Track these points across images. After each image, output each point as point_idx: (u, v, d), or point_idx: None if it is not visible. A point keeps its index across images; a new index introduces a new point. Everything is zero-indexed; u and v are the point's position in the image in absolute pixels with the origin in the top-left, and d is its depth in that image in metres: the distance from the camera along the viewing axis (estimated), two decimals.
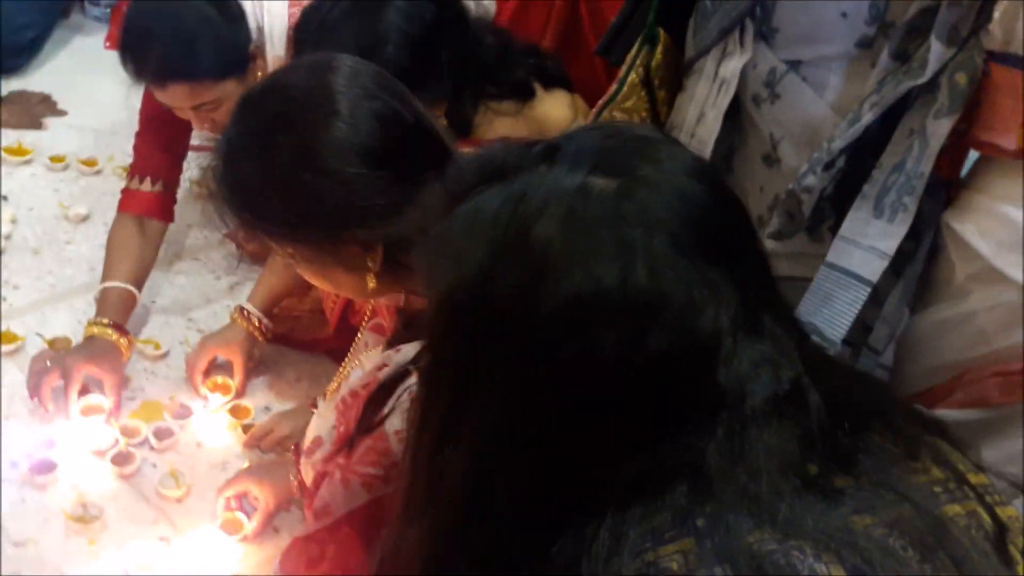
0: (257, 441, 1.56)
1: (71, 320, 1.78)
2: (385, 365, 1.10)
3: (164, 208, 1.80)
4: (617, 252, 0.63)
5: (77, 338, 1.69)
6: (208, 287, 1.95)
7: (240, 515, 1.42)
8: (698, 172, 0.69)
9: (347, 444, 1.09)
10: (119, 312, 1.68)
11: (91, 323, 1.65)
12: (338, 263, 1.13)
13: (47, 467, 1.49)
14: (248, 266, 1.93)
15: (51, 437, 1.54)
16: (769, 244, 1.20)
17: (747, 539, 0.63)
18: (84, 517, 1.42)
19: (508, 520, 0.68)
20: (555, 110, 1.72)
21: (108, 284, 1.70)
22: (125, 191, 1.79)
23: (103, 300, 1.69)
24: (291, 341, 1.78)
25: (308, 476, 1.23)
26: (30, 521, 1.42)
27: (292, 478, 1.37)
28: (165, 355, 1.74)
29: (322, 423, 1.23)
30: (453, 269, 0.68)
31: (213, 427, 1.61)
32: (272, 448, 1.56)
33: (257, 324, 1.67)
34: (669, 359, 0.63)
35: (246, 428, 1.60)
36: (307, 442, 1.24)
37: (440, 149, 1.10)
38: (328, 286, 1.22)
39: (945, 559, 0.64)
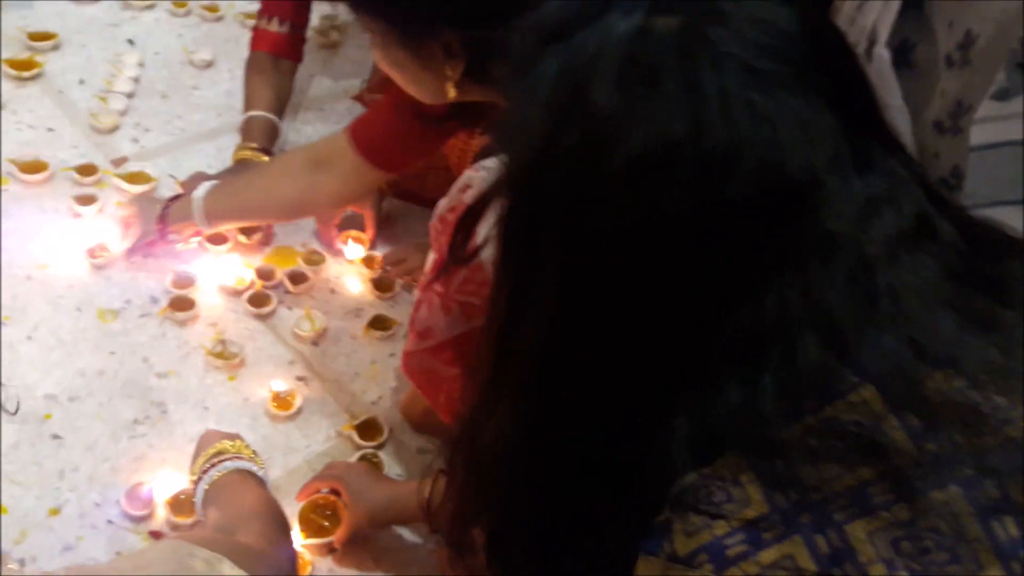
0: (389, 264, 1.59)
1: (202, 164, 1.77)
2: (469, 186, 1.04)
3: (294, 47, 1.81)
4: (684, 99, 0.56)
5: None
6: None
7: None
8: None
9: (442, 271, 1.06)
10: (265, 139, 1.70)
11: (240, 147, 1.67)
12: (419, 61, 1.10)
13: (185, 304, 1.51)
14: None
15: (189, 275, 1.55)
16: (990, 108, 1.09)
17: (923, 383, 0.57)
18: (224, 353, 1.44)
19: (598, 400, 0.63)
20: None
21: (252, 113, 1.72)
22: (255, 30, 1.80)
23: (248, 128, 1.71)
24: (420, 198, 1.75)
25: None
26: (172, 355, 1.44)
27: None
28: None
29: (432, 257, 1.22)
30: (516, 143, 0.63)
31: (346, 275, 1.61)
32: (401, 276, 1.59)
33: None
34: (754, 208, 0.57)
35: (376, 282, 1.59)
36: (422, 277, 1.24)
37: None
38: (407, 84, 1.18)
39: None
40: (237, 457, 1.09)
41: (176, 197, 1.54)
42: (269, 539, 0.92)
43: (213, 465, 1.06)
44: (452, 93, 1.11)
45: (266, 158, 1.66)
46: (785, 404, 0.57)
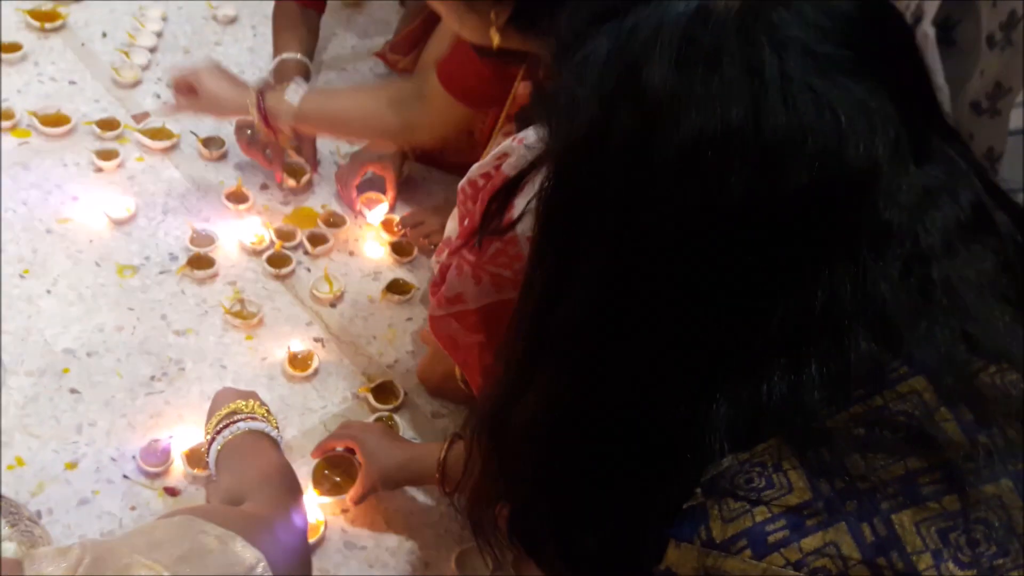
0: (407, 226, 1.58)
1: (223, 122, 1.76)
2: (507, 155, 1.02)
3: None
4: (744, 83, 0.54)
5: (232, 139, 1.69)
6: None
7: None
8: None
9: (473, 239, 1.04)
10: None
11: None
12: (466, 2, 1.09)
13: (204, 262, 1.50)
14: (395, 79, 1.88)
15: (209, 233, 1.55)
16: None
17: (977, 377, 0.56)
18: (241, 313, 1.44)
19: (635, 375, 0.61)
20: None
21: (284, 56, 1.69)
22: None
23: (281, 70, 1.68)
24: (441, 163, 1.74)
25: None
26: (190, 313, 1.45)
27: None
28: (316, 163, 1.72)
29: (453, 224, 1.21)
30: (566, 122, 0.61)
31: (365, 238, 1.61)
32: (417, 240, 1.58)
33: None
34: (813, 197, 0.55)
35: (394, 245, 1.59)
36: (441, 242, 1.23)
37: None
38: (452, 20, 1.17)
39: None
40: (251, 417, 1.08)
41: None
42: (279, 505, 0.91)
43: (226, 425, 1.06)
44: (496, 39, 1.10)
45: None
46: (832, 394, 0.56)
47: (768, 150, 0.54)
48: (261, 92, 1.48)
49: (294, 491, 0.98)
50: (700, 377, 0.59)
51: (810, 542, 0.53)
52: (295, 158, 1.66)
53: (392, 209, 1.65)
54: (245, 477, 0.97)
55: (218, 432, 1.05)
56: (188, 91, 1.49)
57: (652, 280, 0.59)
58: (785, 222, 0.55)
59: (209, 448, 1.03)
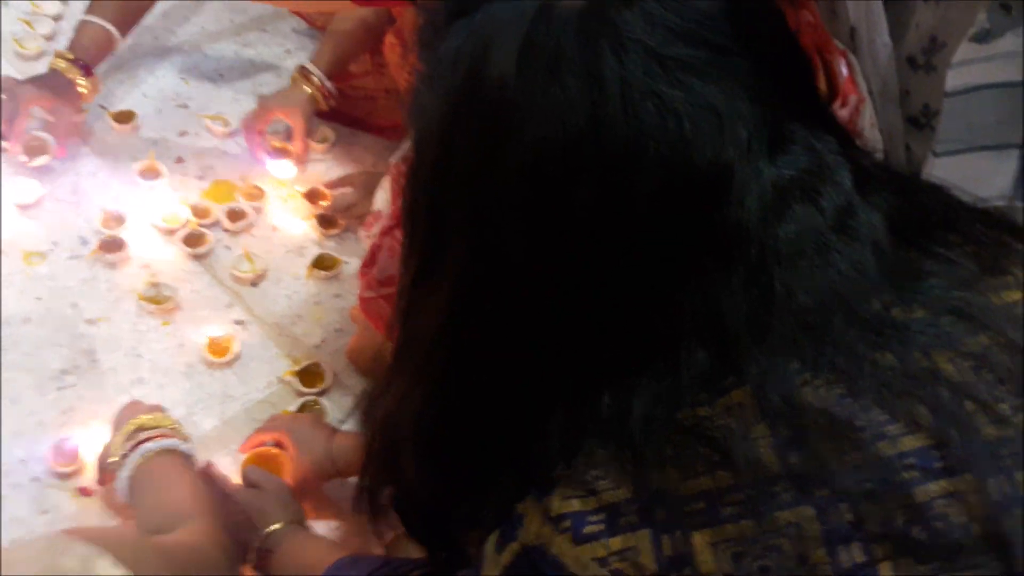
0: (336, 210, 1.50)
1: (135, 93, 1.67)
2: None
3: None
4: (583, 90, 0.52)
5: (144, 110, 1.59)
6: (276, 60, 1.81)
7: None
8: None
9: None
10: (93, 51, 1.54)
11: (57, 55, 1.52)
12: None
13: (116, 245, 1.42)
14: (318, 38, 1.79)
15: (120, 213, 1.46)
16: (968, 51, 1.01)
17: (801, 392, 0.53)
18: (157, 297, 1.37)
19: (492, 388, 0.62)
20: None
21: (87, 18, 1.55)
22: None
23: (78, 35, 1.55)
24: (367, 125, 1.67)
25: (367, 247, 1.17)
26: (102, 300, 1.37)
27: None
28: (234, 132, 1.63)
29: (382, 195, 1.16)
30: (418, 125, 0.59)
31: (288, 211, 1.53)
32: (339, 213, 1.50)
33: (319, 85, 1.55)
34: (659, 205, 0.54)
35: (320, 218, 1.51)
36: (370, 213, 1.17)
37: None
38: None
39: None
40: (160, 435, 1.03)
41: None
42: (205, 539, 0.88)
43: (134, 447, 1.00)
44: None
45: (81, 77, 1.52)
46: (658, 409, 0.55)
47: (610, 160, 0.53)
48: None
49: (219, 517, 0.95)
50: (541, 386, 0.60)
51: (616, 542, 0.53)
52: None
53: (303, 159, 1.57)
54: (167, 512, 0.93)
55: (125, 456, 1.00)
56: None
57: (501, 289, 0.59)
58: (631, 231, 0.55)
59: (118, 474, 0.98)
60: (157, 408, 1.13)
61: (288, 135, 1.57)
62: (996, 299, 0.58)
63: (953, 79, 1.04)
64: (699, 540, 0.52)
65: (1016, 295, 0.58)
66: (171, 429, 1.09)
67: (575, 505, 0.55)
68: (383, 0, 1.28)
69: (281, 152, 1.56)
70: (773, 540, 0.51)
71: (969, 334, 0.55)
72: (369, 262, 1.05)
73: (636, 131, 0.52)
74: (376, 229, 1.12)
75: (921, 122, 1.17)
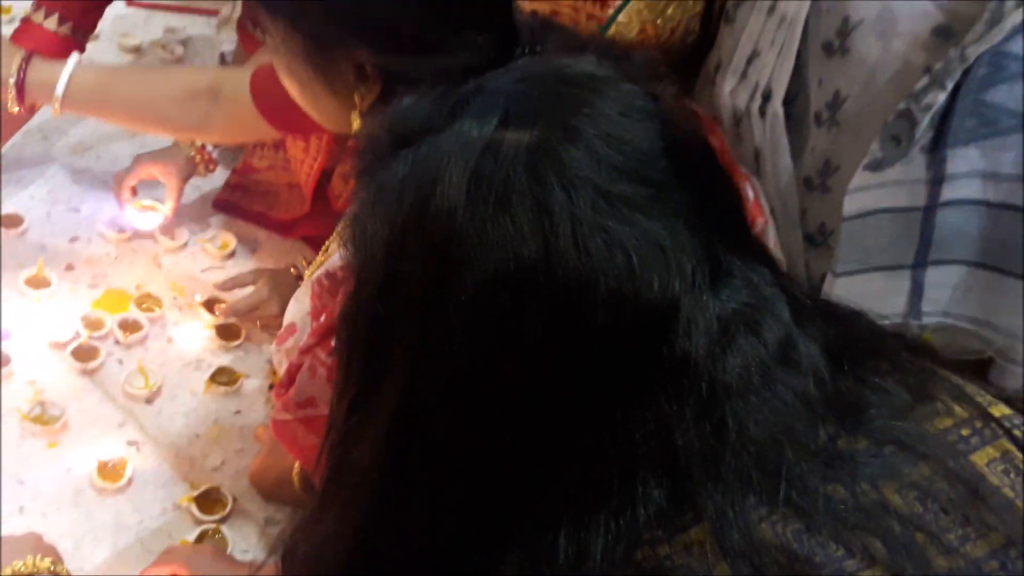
0: (237, 314, 1.43)
1: (22, 194, 1.60)
2: None
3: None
4: (533, 221, 0.54)
5: (32, 214, 1.53)
6: None
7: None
8: (641, 110, 0.59)
9: (331, 336, 0.97)
10: None
11: None
12: (325, 81, 0.99)
13: None
14: None
15: (4, 327, 1.38)
16: (863, 178, 1.07)
17: (759, 528, 0.54)
18: (42, 417, 1.29)
19: (434, 526, 0.60)
20: None
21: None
22: (24, 22, 1.46)
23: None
24: (268, 221, 1.62)
25: (281, 366, 1.12)
26: None
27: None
28: (129, 239, 1.56)
29: (297, 307, 1.12)
30: (359, 251, 0.60)
31: (185, 321, 1.47)
32: (241, 316, 1.43)
33: (199, 149, 1.52)
34: (609, 337, 0.55)
35: (220, 329, 1.45)
36: (283, 327, 1.13)
37: (502, 15, 0.96)
38: (307, 105, 1.06)
39: (987, 515, 0.57)
40: None
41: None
42: None
43: None
44: (356, 123, 1.00)
45: None
46: (616, 548, 0.55)
47: (561, 292, 0.54)
48: (26, 59, 1.31)
49: None
50: (490, 525, 0.59)
51: None
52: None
53: (172, 218, 1.53)
54: None
55: None
56: None
57: (442, 422, 0.58)
58: (581, 363, 0.55)
59: None
60: (37, 540, 1.05)
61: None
62: (930, 427, 0.60)
63: (849, 204, 1.09)
64: None
65: (947, 422, 0.61)
66: (49, 573, 1.01)
67: None
68: (307, 129, 1.27)
69: (148, 210, 1.53)
70: None
71: (911, 464, 0.58)
72: (286, 382, 1.02)
73: (587, 265, 0.54)
74: (290, 344, 1.08)
75: (817, 240, 1.22)
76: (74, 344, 1.38)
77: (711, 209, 0.59)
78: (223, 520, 1.22)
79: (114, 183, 1.52)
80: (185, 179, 1.53)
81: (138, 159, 1.53)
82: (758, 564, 0.53)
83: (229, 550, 1.18)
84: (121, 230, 1.54)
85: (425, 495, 0.60)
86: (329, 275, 1.04)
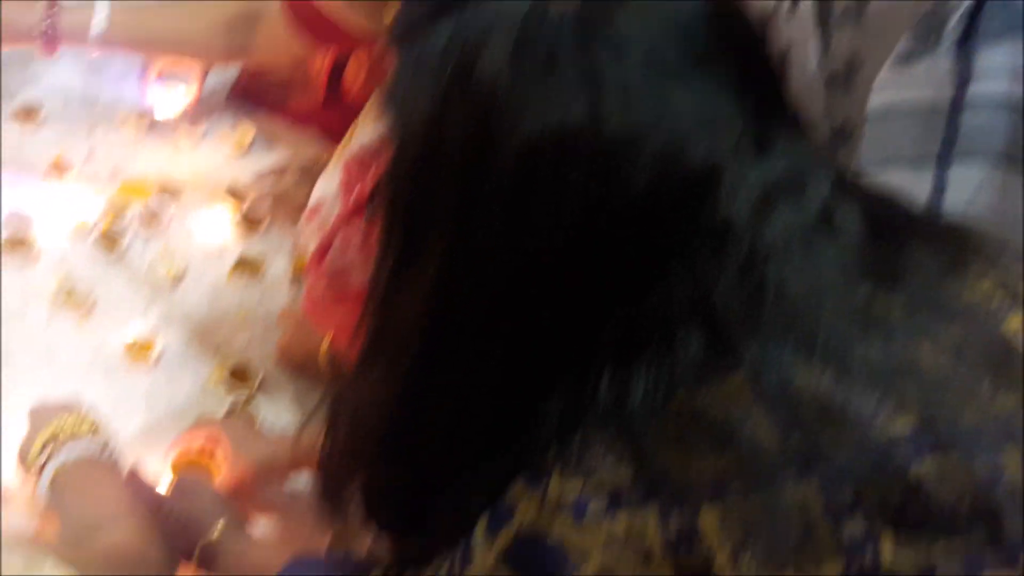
0: (260, 192, 1.47)
1: (38, 85, 1.60)
2: None
3: None
4: (580, 84, 0.55)
5: (48, 105, 1.54)
6: None
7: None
8: None
9: (365, 211, 1.00)
10: None
11: None
12: None
13: (25, 245, 1.36)
14: None
15: (28, 213, 1.40)
16: (888, 74, 1.07)
17: (797, 378, 0.56)
18: (71, 299, 1.31)
19: (468, 374, 0.62)
20: None
21: None
22: None
23: None
24: (282, 111, 1.62)
25: (309, 244, 1.14)
26: (12, 297, 1.30)
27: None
28: (148, 128, 1.58)
29: (325, 186, 1.15)
30: (399, 123, 0.61)
31: (207, 207, 1.48)
32: (267, 204, 1.45)
33: None
34: (653, 199, 0.56)
35: (242, 217, 1.46)
36: (309, 205, 1.16)
37: None
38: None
39: (1017, 373, 0.59)
40: (75, 439, 0.99)
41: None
42: (133, 541, 0.84)
43: (50, 457, 0.96)
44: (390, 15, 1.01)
45: None
46: (656, 395, 0.57)
47: (607, 153, 0.55)
48: (50, 5, 1.29)
49: (148, 520, 0.91)
50: (531, 378, 0.60)
51: (620, 524, 0.55)
52: None
53: (194, 104, 1.53)
54: (85, 517, 0.89)
55: (42, 468, 0.95)
56: None
57: (486, 282, 0.60)
58: (625, 224, 0.56)
59: (36, 488, 0.94)
60: (75, 406, 1.08)
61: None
62: (964, 295, 0.63)
63: (874, 100, 1.10)
64: (706, 515, 0.54)
65: (979, 291, 0.63)
66: (89, 434, 1.04)
67: (575, 488, 0.56)
68: (343, 41, 1.28)
69: (170, 94, 1.54)
70: (778, 515, 0.53)
71: (944, 325, 0.60)
72: (318, 256, 1.04)
73: (632, 128, 0.54)
74: (319, 221, 1.11)
75: (840, 140, 1.23)
76: (98, 230, 1.40)
77: (754, 79, 0.60)
78: (252, 395, 1.26)
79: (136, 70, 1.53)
80: (206, 66, 1.53)
81: None
82: (793, 412, 0.55)
83: (259, 424, 1.22)
84: (142, 115, 1.54)
85: (468, 355, 0.62)
86: (360, 152, 1.07)
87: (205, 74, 1.54)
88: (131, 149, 1.55)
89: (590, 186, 0.55)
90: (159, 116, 1.51)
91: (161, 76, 1.54)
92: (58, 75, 1.63)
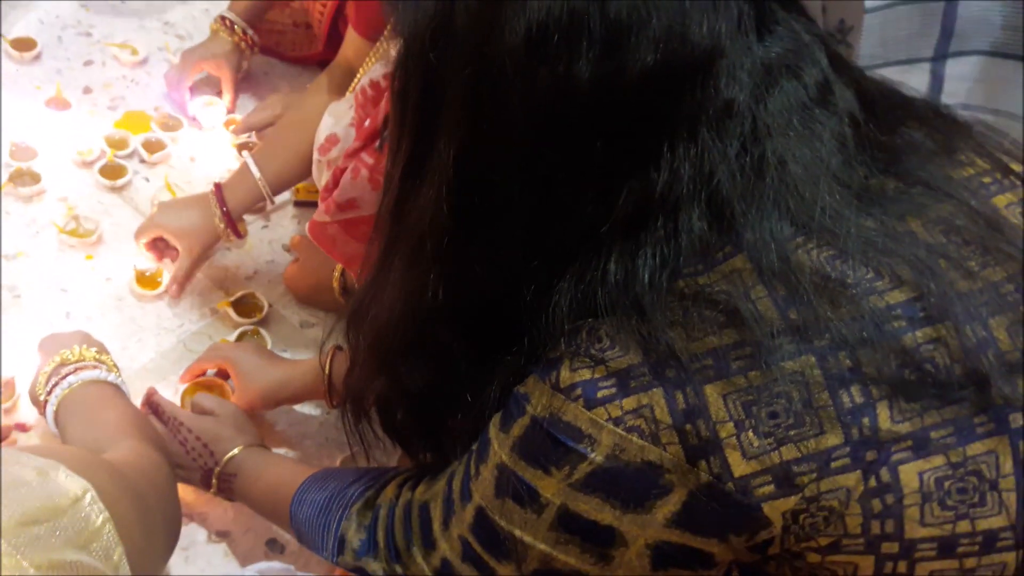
0: (253, 128, 1.48)
1: (29, 17, 1.59)
2: None
3: None
4: None
5: (43, 38, 1.53)
6: None
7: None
8: None
9: (374, 142, 1.01)
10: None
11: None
12: None
13: (29, 177, 1.37)
14: None
15: (30, 146, 1.41)
16: None
17: (795, 254, 0.59)
18: (77, 231, 1.33)
19: (486, 262, 0.64)
20: None
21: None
22: None
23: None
24: (277, 55, 1.63)
25: (323, 175, 1.16)
26: (19, 233, 1.32)
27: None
28: (143, 61, 1.58)
29: (335, 121, 1.15)
30: (411, 7, 0.61)
31: (208, 140, 1.50)
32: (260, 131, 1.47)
33: (242, 35, 1.52)
34: (657, 77, 0.57)
35: (241, 148, 1.48)
36: (320, 140, 1.16)
37: None
38: None
39: (1005, 246, 0.61)
40: (81, 366, 0.99)
41: (217, 187, 1.27)
42: (143, 455, 0.85)
43: (57, 383, 0.97)
44: None
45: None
46: (662, 274, 0.60)
47: (613, 31, 0.56)
48: (218, 189, 1.26)
49: (154, 439, 0.93)
50: (546, 258, 0.63)
51: (629, 402, 0.58)
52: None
53: (232, 111, 1.54)
54: (96, 435, 0.90)
55: (50, 392, 0.96)
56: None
57: (501, 166, 0.61)
58: (630, 103, 0.58)
59: (45, 412, 0.95)
60: (83, 337, 1.09)
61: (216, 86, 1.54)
62: (955, 174, 0.65)
63: None
64: (711, 392, 0.57)
65: (969, 171, 0.65)
66: (95, 360, 1.04)
67: (584, 374, 0.59)
68: None
69: (210, 105, 1.52)
70: (780, 388, 0.56)
71: (936, 202, 0.62)
72: (330, 186, 1.06)
73: (638, 5, 0.56)
74: (333, 154, 1.12)
75: (837, 38, 1.22)
76: (101, 163, 1.41)
77: None
78: (260, 323, 1.28)
79: (167, 83, 1.51)
80: (236, 69, 1.52)
81: (186, 56, 1.51)
82: (793, 285, 0.58)
83: (269, 348, 1.24)
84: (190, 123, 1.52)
85: (486, 242, 0.64)
86: (372, 85, 1.06)
87: (236, 74, 1.54)
88: (127, 83, 1.55)
89: (597, 63, 0.56)
90: (206, 124, 1.51)
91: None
92: (52, 9, 1.62)
